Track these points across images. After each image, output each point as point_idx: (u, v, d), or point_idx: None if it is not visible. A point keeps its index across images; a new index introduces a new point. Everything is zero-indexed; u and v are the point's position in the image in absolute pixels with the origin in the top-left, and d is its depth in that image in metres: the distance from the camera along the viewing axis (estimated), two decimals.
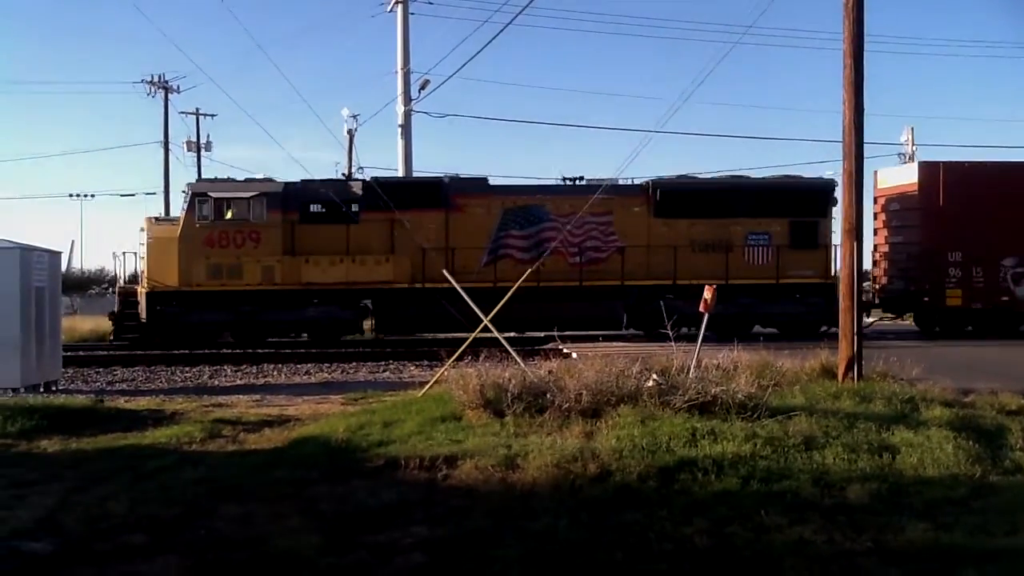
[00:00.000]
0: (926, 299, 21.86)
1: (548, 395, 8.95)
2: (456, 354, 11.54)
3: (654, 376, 9.34)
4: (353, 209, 20.68)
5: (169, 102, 42.84)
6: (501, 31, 20.77)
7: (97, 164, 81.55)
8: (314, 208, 20.68)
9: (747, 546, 5.15)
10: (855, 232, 11.12)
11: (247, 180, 21.30)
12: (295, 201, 20.63)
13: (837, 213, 22.44)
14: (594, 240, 21.26)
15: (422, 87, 28.02)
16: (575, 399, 8.75)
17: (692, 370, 9.76)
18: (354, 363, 17.74)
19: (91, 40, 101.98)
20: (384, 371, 16.78)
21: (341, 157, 36.22)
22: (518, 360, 10.50)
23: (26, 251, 13.53)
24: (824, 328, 21.63)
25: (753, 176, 23.18)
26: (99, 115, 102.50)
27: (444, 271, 15.40)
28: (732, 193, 22.06)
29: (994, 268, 21.66)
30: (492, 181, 22.32)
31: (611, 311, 20.83)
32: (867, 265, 22.99)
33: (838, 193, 21.50)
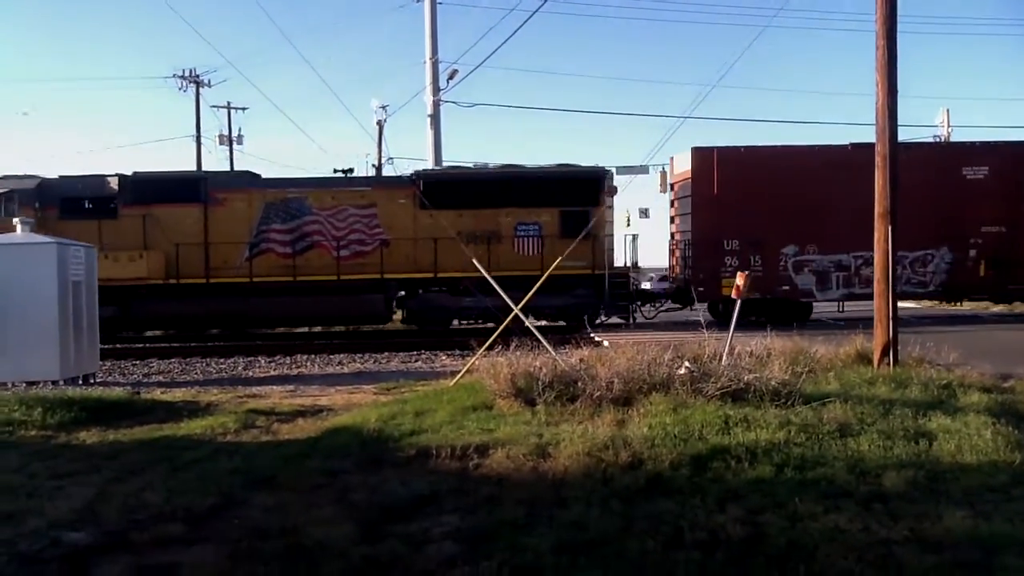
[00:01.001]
0: (701, 289, 21.28)
1: (579, 383, 8.94)
2: (487, 343, 11.54)
3: (686, 364, 9.30)
4: (111, 205, 20.62)
5: (201, 96, 43.16)
6: (528, 19, 21.09)
7: (132, 158, 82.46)
8: (72, 204, 20.53)
9: (781, 534, 5.09)
10: (889, 216, 10.96)
11: (3, 177, 21.22)
12: (51, 197, 20.53)
13: (619, 202, 22.33)
14: (358, 233, 21.02)
15: (450, 77, 28.05)
16: (606, 387, 8.74)
17: (724, 357, 9.70)
18: (386, 353, 17.85)
19: (123, 36, 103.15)
20: (416, 361, 16.85)
21: (372, 148, 36.34)
22: (549, 349, 10.48)
23: (63, 246, 13.72)
24: (602, 319, 21.66)
25: (527, 166, 22.66)
26: (134, 110, 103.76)
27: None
28: (500, 183, 21.68)
29: (774, 256, 21.08)
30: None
31: (372, 305, 20.67)
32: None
33: (620, 181, 21.42)
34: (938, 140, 34.18)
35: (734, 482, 6.15)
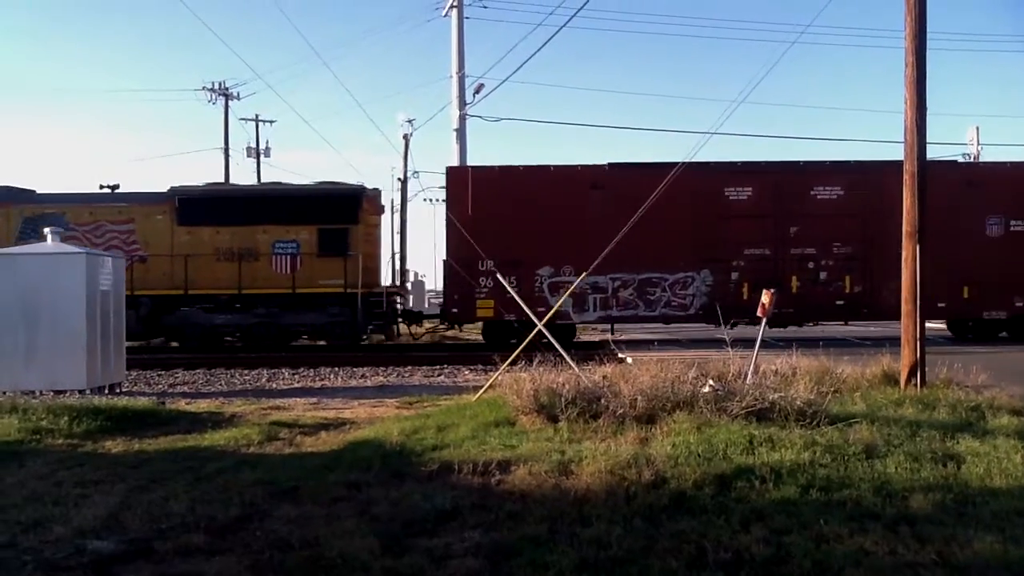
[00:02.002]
0: (455, 310, 21.02)
1: (602, 400, 8.90)
2: (510, 359, 11.55)
3: (710, 382, 9.24)
4: None
5: (229, 108, 43.66)
6: (554, 35, 21.33)
7: (160, 170, 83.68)
8: None
9: (806, 556, 5.03)
10: (917, 235, 10.86)
11: None
12: None
13: (389, 220, 22.27)
14: (116, 250, 20.53)
15: (476, 91, 28.23)
16: (630, 405, 8.70)
17: (749, 376, 9.64)
18: (409, 367, 17.88)
19: (155, 49, 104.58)
20: (439, 375, 16.87)
21: (397, 162, 36.52)
22: (572, 365, 10.46)
23: (92, 256, 13.89)
24: (365, 339, 21.49)
25: (290, 183, 22.77)
26: (163, 122, 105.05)
27: None
28: (258, 200, 21.72)
29: (530, 278, 20.68)
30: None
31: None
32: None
33: (388, 199, 21.18)
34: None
35: (759, 502, 6.09)
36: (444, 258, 21.17)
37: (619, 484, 6.50)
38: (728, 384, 9.27)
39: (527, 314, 19.74)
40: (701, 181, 20.30)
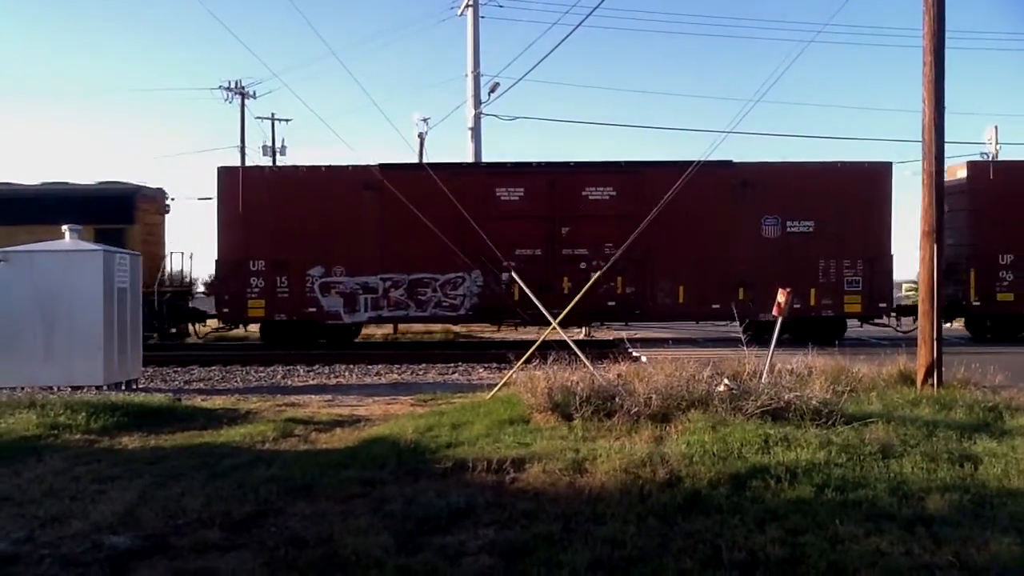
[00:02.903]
0: (226, 310, 20.76)
1: (617, 399, 8.90)
2: (525, 357, 11.55)
3: (725, 381, 9.22)
4: None
5: (245, 107, 43.81)
6: (569, 34, 21.32)
7: (176, 168, 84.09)
8: None
9: (821, 556, 5.00)
10: (935, 234, 10.80)
11: None
12: None
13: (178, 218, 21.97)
14: None
15: (492, 90, 28.22)
16: (644, 403, 8.69)
17: (765, 375, 9.60)
18: (423, 365, 17.91)
19: (172, 48, 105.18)
20: (453, 373, 16.89)
21: (413, 160, 36.53)
22: (587, 363, 10.45)
23: (110, 253, 13.97)
24: (153, 339, 20.76)
25: (67, 183, 22.29)
26: (179, 120, 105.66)
27: None
28: (26, 201, 21.23)
29: (300, 278, 20.46)
30: None
31: None
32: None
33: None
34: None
35: (774, 502, 6.07)
36: (216, 258, 21.00)
37: (633, 483, 6.49)
38: (743, 383, 9.25)
39: (296, 315, 20.03)
40: (472, 181, 20.33)
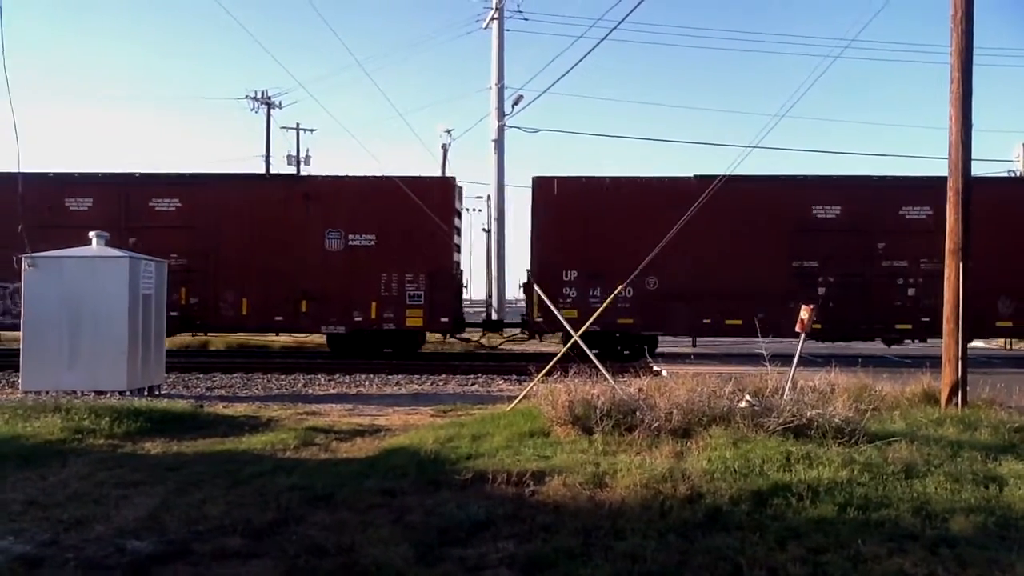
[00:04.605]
0: None
1: (638, 413, 8.86)
2: (545, 369, 11.54)
3: (747, 397, 9.16)
4: None
5: (271, 117, 44.20)
6: (593, 48, 21.57)
7: None
8: None
9: None
10: (960, 252, 10.71)
11: None
12: None
13: None
14: None
15: (515, 102, 28.28)
16: (665, 418, 8.65)
17: (787, 392, 9.54)
18: (443, 376, 17.93)
19: (200, 59, 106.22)
20: (473, 384, 16.89)
21: (436, 171, 36.71)
22: (608, 377, 10.42)
23: (135, 260, 14.10)
24: None
25: None
26: (207, 129, 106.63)
27: None
28: None
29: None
30: None
31: None
32: None
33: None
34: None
35: (795, 520, 6.03)
36: None
37: (654, 498, 6.48)
38: (765, 399, 9.19)
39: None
40: (40, 192, 20.09)
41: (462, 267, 23.58)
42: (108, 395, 12.67)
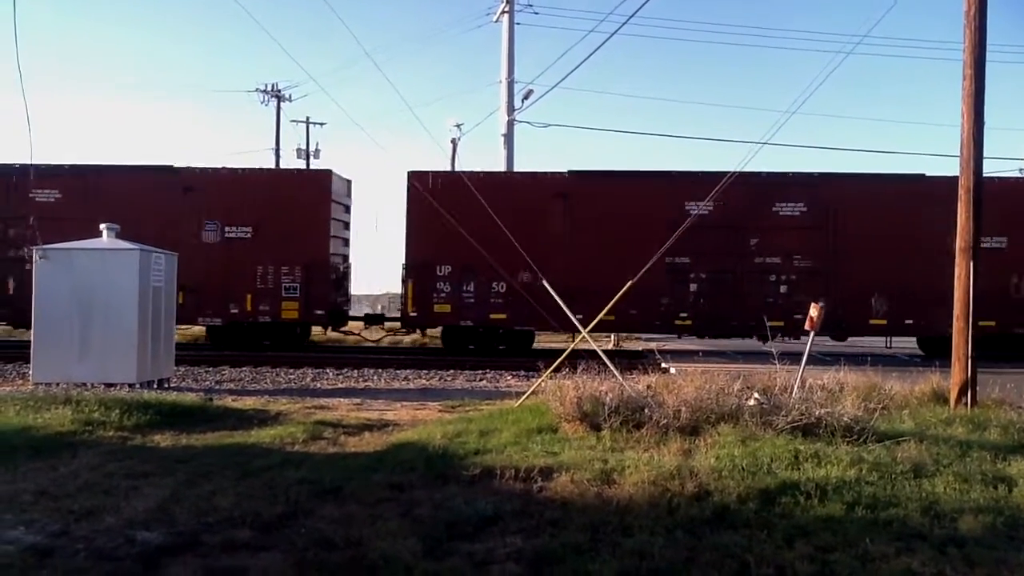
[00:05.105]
0: None
1: (646, 410, 8.86)
2: (553, 365, 11.54)
3: (756, 395, 9.16)
4: None
5: (281, 110, 44.26)
6: (604, 42, 20.88)
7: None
8: None
9: (851, 575, 4.98)
10: (971, 251, 10.67)
11: None
12: None
13: None
14: None
15: (525, 97, 28.27)
16: (674, 415, 8.65)
17: (796, 390, 9.53)
18: (452, 371, 17.97)
19: (210, 48, 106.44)
20: (481, 380, 16.92)
21: (445, 165, 36.71)
22: (616, 373, 10.42)
23: (145, 252, 14.16)
24: None
25: None
26: (216, 122, 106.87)
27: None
28: None
29: None
30: None
31: None
32: None
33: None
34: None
35: (803, 518, 6.02)
36: None
37: (661, 495, 6.48)
38: (774, 397, 9.18)
39: None
40: None
41: (350, 260, 23.57)
42: (118, 387, 12.72)
